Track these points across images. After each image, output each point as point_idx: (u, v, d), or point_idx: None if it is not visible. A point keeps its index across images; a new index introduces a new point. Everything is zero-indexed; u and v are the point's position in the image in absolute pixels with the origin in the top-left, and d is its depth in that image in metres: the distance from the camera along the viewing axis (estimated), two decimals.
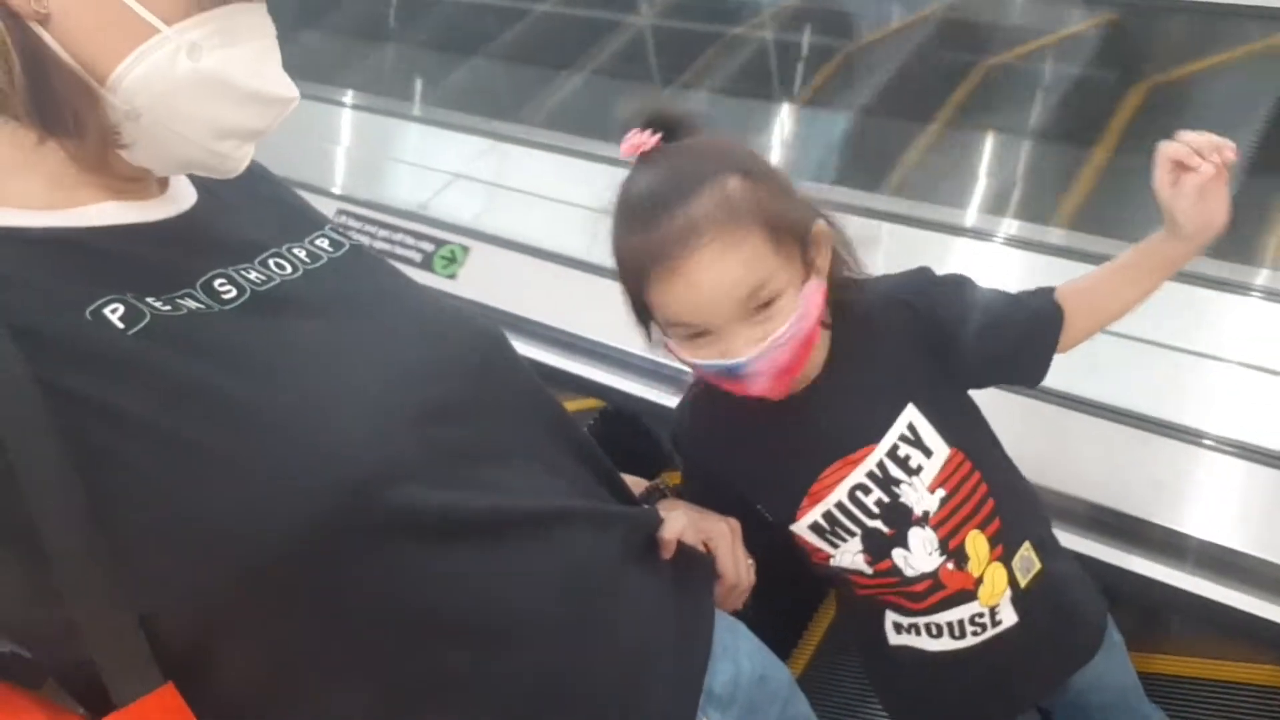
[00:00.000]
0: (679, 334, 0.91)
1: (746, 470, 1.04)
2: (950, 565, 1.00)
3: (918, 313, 1.00)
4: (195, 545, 0.63)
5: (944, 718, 1.16)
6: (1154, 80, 2.60)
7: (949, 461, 0.99)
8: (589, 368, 1.92)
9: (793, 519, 1.02)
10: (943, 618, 1.02)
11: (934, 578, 1.00)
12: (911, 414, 0.99)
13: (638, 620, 0.83)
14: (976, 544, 1.01)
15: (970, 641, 1.03)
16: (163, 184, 0.78)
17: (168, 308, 0.69)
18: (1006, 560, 1.02)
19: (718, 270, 0.85)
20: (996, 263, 1.92)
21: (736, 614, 0.99)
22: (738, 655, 0.92)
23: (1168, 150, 0.90)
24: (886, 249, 1.89)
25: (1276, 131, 2.23)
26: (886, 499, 0.98)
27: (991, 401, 1.08)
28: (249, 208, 0.83)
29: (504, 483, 0.79)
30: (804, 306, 0.89)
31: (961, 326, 0.99)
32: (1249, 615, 1.32)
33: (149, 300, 0.68)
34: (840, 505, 0.99)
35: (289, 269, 0.79)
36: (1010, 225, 2.05)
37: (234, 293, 0.73)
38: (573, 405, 1.96)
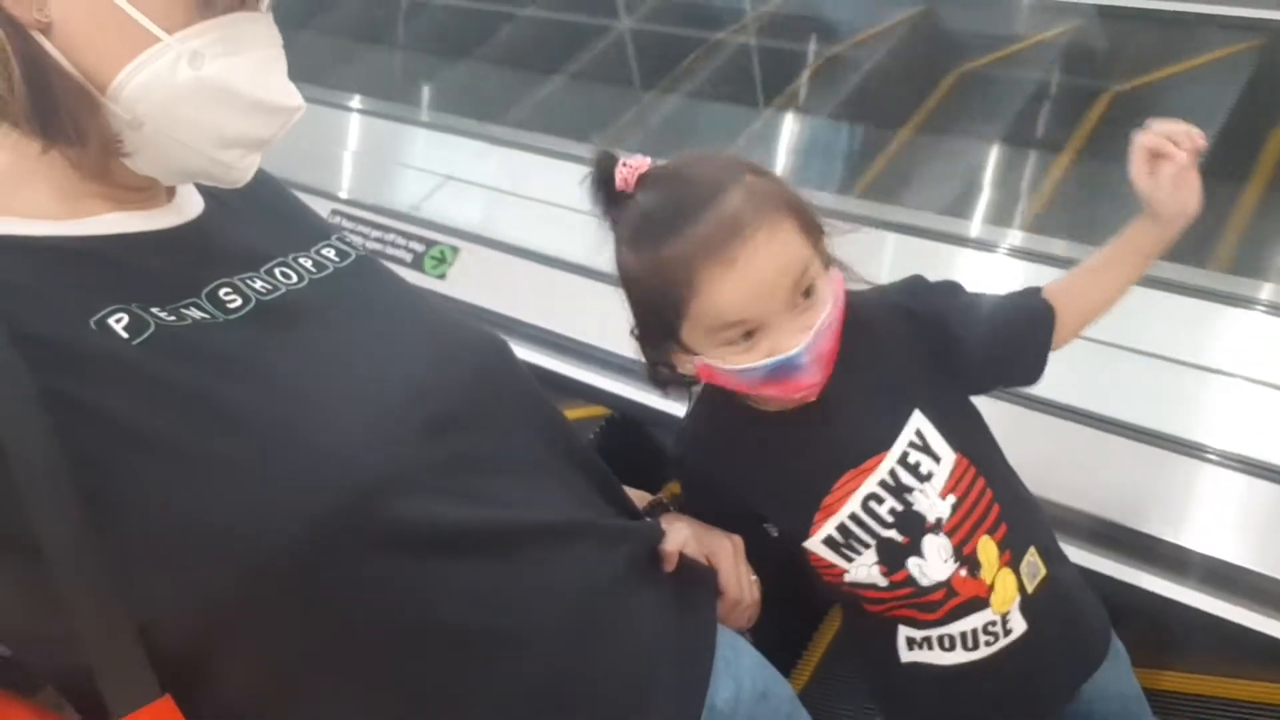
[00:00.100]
0: (725, 340, 0.89)
1: (757, 488, 1.02)
2: (964, 572, 0.99)
3: (918, 318, 1.00)
4: (196, 550, 0.63)
5: None
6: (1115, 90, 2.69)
7: (956, 467, 0.99)
8: (574, 368, 1.93)
9: (806, 535, 1.00)
10: (956, 628, 1.01)
11: (948, 586, 0.99)
12: (919, 420, 0.98)
13: (639, 635, 0.83)
14: (987, 550, 1.00)
15: (983, 653, 1.02)
16: (170, 193, 0.78)
17: (172, 318, 0.69)
18: (1014, 566, 1.02)
19: (768, 256, 0.85)
20: (965, 266, 1.99)
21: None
22: (739, 671, 0.91)
23: (1143, 140, 0.92)
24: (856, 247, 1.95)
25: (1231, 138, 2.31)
26: (900, 507, 0.97)
27: (992, 413, 1.08)
28: (256, 217, 0.83)
29: (506, 494, 0.78)
30: (835, 292, 0.90)
31: (964, 328, 0.99)
32: (1261, 634, 1.33)
33: (154, 310, 0.69)
34: (854, 516, 0.98)
35: (295, 278, 0.79)
36: (978, 228, 2.12)
37: (239, 302, 0.73)
38: (577, 413, 1.98)
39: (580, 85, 3.29)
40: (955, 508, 0.98)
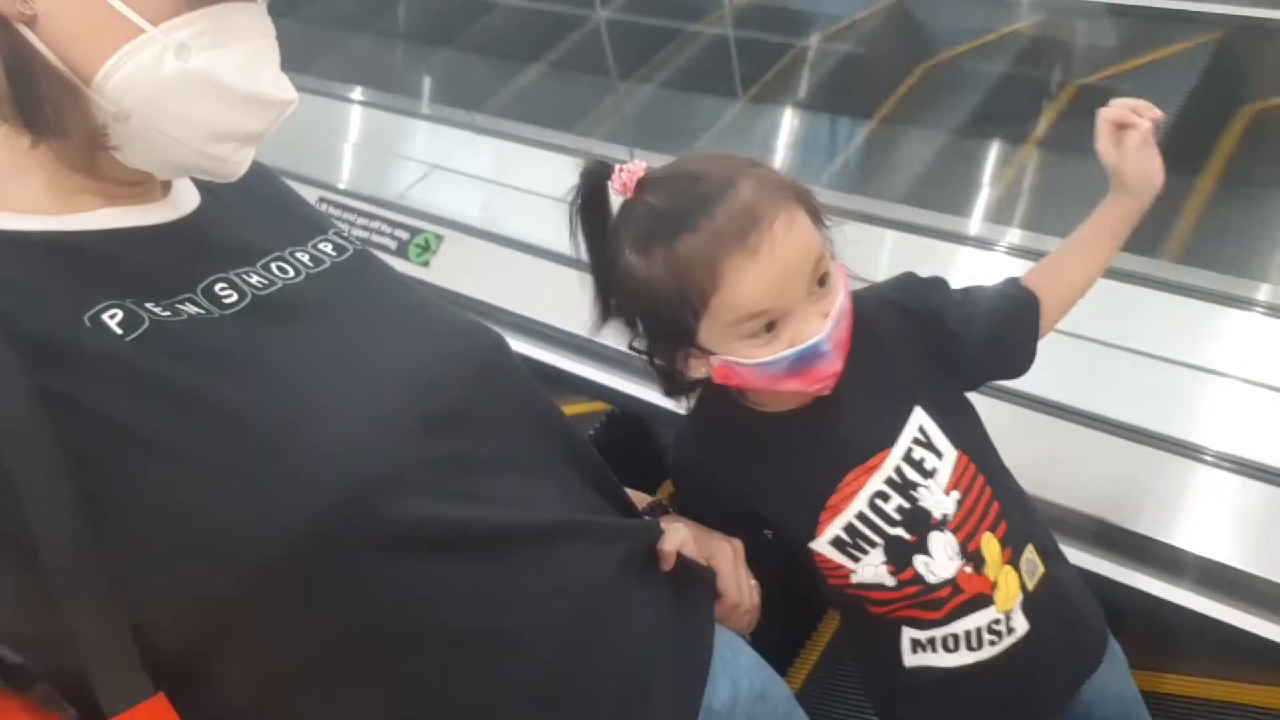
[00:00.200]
0: (746, 333, 0.88)
1: (759, 490, 1.01)
2: (969, 569, 0.99)
3: (914, 313, 1.00)
4: (195, 549, 0.63)
5: None
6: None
7: (958, 463, 0.99)
8: (559, 357, 1.96)
9: (813, 535, 0.99)
10: (960, 626, 1.01)
11: (953, 583, 0.99)
12: (920, 416, 0.98)
13: (637, 635, 0.83)
14: (990, 546, 1.00)
15: (987, 653, 1.02)
16: (165, 188, 0.77)
17: (167, 313, 0.68)
18: (1014, 563, 1.02)
19: (787, 244, 0.85)
20: (934, 256, 2.05)
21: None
22: (737, 671, 0.91)
23: (1107, 113, 0.96)
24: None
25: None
26: (906, 504, 0.97)
27: (989, 412, 1.09)
28: (252, 211, 0.82)
29: (506, 493, 0.78)
30: (844, 280, 0.91)
31: (959, 324, 1.00)
32: (1257, 637, 1.33)
33: (148, 306, 0.68)
34: (861, 515, 0.97)
35: (291, 273, 0.78)
36: (944, 220, 2.18)
37: (235, 297, 0.72)
38: (578, 409, 1.99)
39: (558, 74, 3.33)
40: (960, 503, 0.98)
